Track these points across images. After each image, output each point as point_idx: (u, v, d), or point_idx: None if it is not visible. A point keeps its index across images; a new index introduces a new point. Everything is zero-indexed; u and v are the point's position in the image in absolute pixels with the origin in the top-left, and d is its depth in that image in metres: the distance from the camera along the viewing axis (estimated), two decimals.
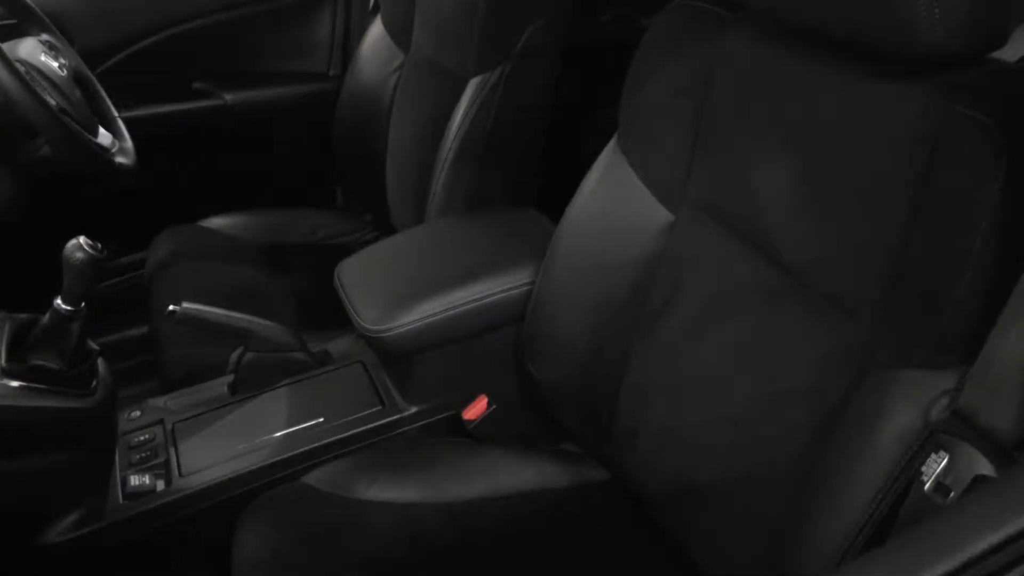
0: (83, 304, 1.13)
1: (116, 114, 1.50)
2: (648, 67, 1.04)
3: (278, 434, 1.28)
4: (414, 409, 1.32)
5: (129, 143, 1.47)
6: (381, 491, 1.16)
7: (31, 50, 1.38)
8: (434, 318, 1.23)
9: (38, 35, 1.45)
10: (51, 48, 1.43)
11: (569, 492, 1.18)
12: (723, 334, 0.94)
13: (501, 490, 1.17)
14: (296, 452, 1.26)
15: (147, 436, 1.30)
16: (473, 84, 1.40)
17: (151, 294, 1.62)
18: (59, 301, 1.11)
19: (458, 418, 1.30)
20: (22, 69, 1.26)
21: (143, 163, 1.45)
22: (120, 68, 1.81)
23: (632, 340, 1.05)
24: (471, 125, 1.41)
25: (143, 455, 1.26)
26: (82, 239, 1.10)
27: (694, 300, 0.98)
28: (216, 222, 1.80)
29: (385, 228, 1.76)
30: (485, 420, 1.30)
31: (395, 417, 1.31)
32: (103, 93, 1.50)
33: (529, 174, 1.50)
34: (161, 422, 1.32)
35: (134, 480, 1.22)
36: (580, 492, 1.18)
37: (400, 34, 1.67)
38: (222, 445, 1.27)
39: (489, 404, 1.29)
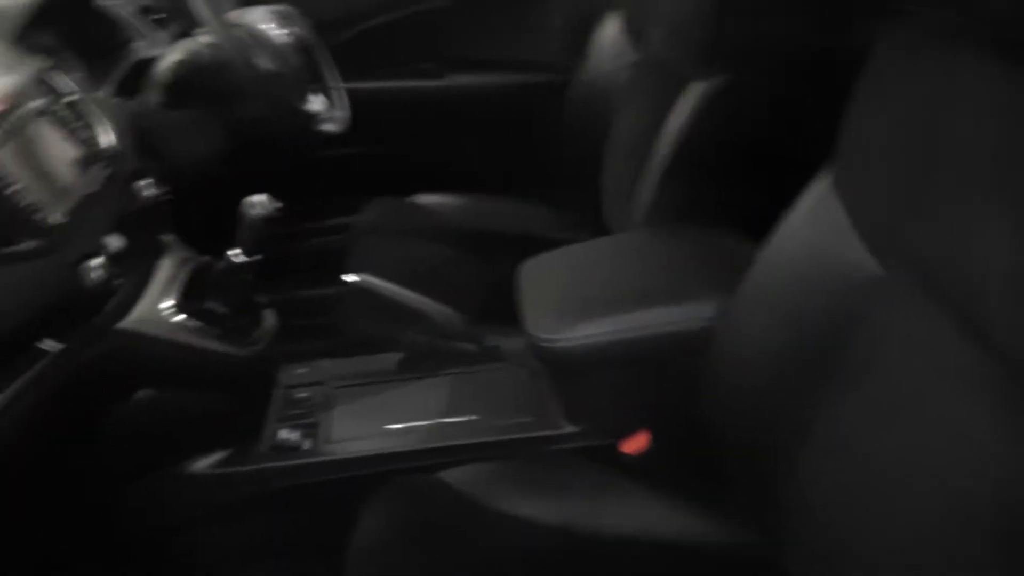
0: (255, 257, 1.16)
1: (336, 84, 1.53)
2: (872, 90, 0.88)
3: (429, 422, 1.26)
4: (570, 429, 1.24)
5: (342, 113, 1.49)
6: (515, 505, 1.09)
7: (258, 16, 1.43)
8: (605, 338, 1.14)
9: (271, 4, 1.51)
10: (281, 17, 1.48)
11: (715, 553, 1.05)
12: (918, 418, 0.78)
13: (642, 535, 1.06)
14: (442, 444, 1.22)
15: (307, 395, 1.31)
16: (695, 90, 1.28)
17: (345, 260, 1.65)
18: (233, 251, 1.15)
19: (614, 448, 1.20)
20: (242, 33, 1.32)
21: (363, 135, 1.47)
22: (353, 43, 1.85)
23: (819, 405, 0.91)
24: (687, 134, 1.29)
25: (298, 412, 1.28)
26: (262, 196, 1.13)
27: (891, 375, 0.82)
28: (426, 199, 1.80)
29: (595, 231, 1.68)
30: (643, 456, 1.19)
31: (549, 433, 1.24)
32: (326, 63, 1.54)
33: (744, 193, 1.36)
34: (324, 383, 1.33)
35: (283, 434, 1.24)
36: (727, 557, 1.05)
37: (635, 30, 1.58)
38: (374, 420, 1.26)
39: (650, 440, 1.19)
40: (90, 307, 1.03)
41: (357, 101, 1.55)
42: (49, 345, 0.95)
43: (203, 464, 1.20)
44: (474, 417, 1.26)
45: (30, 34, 1.24)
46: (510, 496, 1.09)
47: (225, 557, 1.25)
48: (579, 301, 1.19)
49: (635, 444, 1.20)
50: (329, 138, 1.45)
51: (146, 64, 1.33)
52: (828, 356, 0.89)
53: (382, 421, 1.26)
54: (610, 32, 1.71)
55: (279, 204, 1.15)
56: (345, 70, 1.57)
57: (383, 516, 1.08)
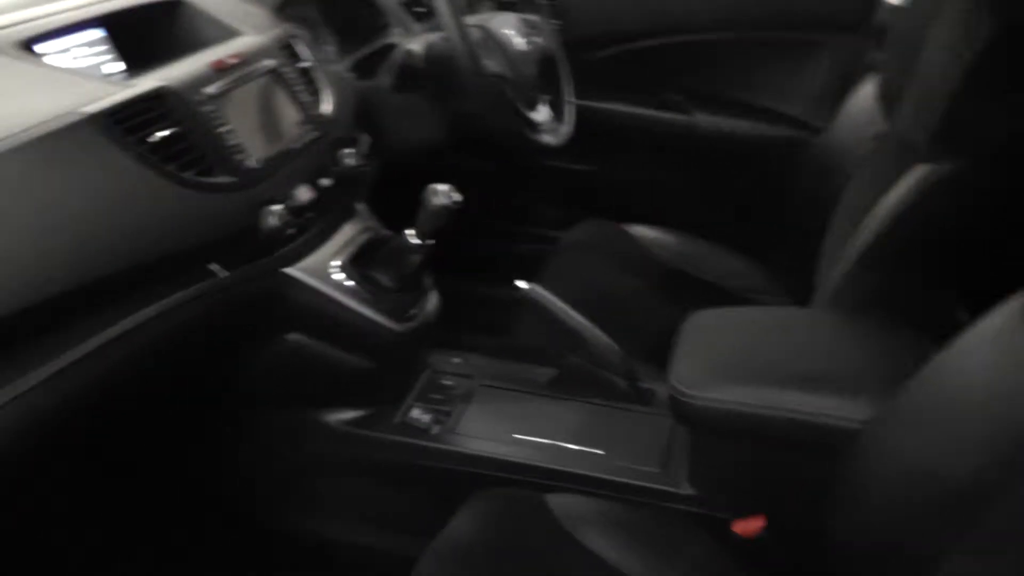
0: (428, 241, 1.21)
1: (569, 99, 1.56)
2: None
3: (554, 442, 1.25)
4: (689, 491, 1.17)
5: (566, 128, 1.52)
6: (605, 549, 1.05)
7: (503, 22, 1.50)
8: (746, 408, 1.06)
9: (523, 12, 1.57)
10: (528, 25, 1.54)
11: None
12: None
13: None
14: (557, 467, 1.21)
15: (451, 383, 1.35)
16: (917, 173, 1.16)
17: (529, 267, 1.67)
18: (409, 231, 1.21)
19: (727, 524, 1.12)
20: (478, 34, 1.39)
21: (583, 152, 1.48)
22: (605, 63, 1.86)
23: (951, 551, 0.79)
24: (896, 217, 1.17)
25: (438, 397, 1.32)
26: (445, 186, 1.17)
27: None
28: (637, 229, 1.78)
29: (794, 299, 1.58)
30: (753, 541, 1.10)
31: (666, 488, 1.18)
32: (564, 77, 1.57)
33: (938, 290, 1.21)
34: (471, 377, 1.37)
35: (416, 413, 1.29)
36: None
37: (888, 99, 1.46)
38: (505, 425, 1.28)
39: (765, 526, 1.09)
40: (262, 247, 1.12)
41: (589, 119, 1.57)
42: (216, 269, 1.06)
43: (335, 418, 1.28)
44: (599, 451, 1.24)
45: (294, 5, 1.38)
46: (605, 538, 1.06)
47: (330, 509, 1.32)
48: (732, 363, 1.13)
49: (749, 526, 1.11)
50: (546, 149, 1.48)
51: (389, 49, 1.44)
52: (976, 502, 0.78)
53: (512, 429, 1.27)
54: (864, 96, 1.60)
55: (459, 196, 1.19)
56: (588, 87, 1.60)
57: (477, 518, 1.09)
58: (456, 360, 1.40)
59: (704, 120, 1.86)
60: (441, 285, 1.38)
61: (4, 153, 0.81)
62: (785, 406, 1.05)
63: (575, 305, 1.32)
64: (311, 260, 1.20)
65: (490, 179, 1.82)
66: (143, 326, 0.95)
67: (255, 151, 1.09)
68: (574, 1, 1.77)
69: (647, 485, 1.19)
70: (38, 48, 1.03)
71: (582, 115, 1.58)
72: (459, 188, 1.21)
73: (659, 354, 1.40)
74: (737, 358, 1.13)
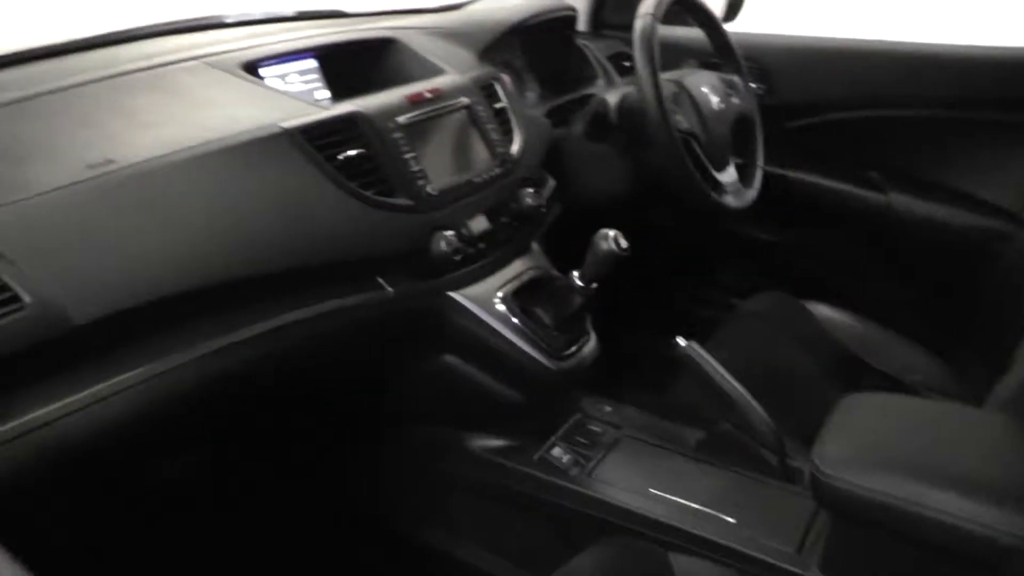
0: (592, 285, 1.24)
1: (759, 163, 1.53)
2: None
3: (689, 503, 1.22)
4: None
5: (752, 192, 1.50)
6: None
7: (701, 79, 1.51)
8: (894, 501, 0.99)
9: (727, 73, 1.57)
10: (727, 86, 1.53)
11: None
12: None
13: None
14: (686, 528, 1.18)
15: (598, 430, 1.36)
16: None
17: (711, 330, 1.65)
18: (575, 272, 1.24)
19: None
20: (673, 89, 1.40)
21: (768, 219, 1.45)
22: (801, 132, 1.81)
23: None
24: None
25: (582, 441, 1.33)
26: (614, 232, 1.19)
27: None
28: (817, 307, 1.70)
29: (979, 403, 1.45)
30: None
31: (796, 570, 1.11)
32: (757, 141, 1.55)
33: None
34: (618, 427, 1.36)
35: (557, 451, 1.31)
36: None
37: None
38: (643, 479, 1.26)
39: None
40: (430, 269, 1.19)
41: (778, 187, 1.54)
42: (383, 283, 1.14)
43: (477, 442, 1.32)
44: (731, 519, 1.19)
45: (499, 50, 1.47)
46: None
47: (457, 528, 1.36)
48: (883, 450, 1.06)
49: None
50: (728, 211, 1.46)
51: (587, 99, 1.49)
52: None
53: (649, 484, 1.25)
54: None
55: (627, 244, 1.21)
56: (781, 155, 1.57)
57: (598, 562, 1.10)
58: (607, 408, 1.41)
59: (900, 200, 1.76)
60: (603, 331, 1.40)
61: (209, 153, 0.94)
62: (937, 505, 0.97)
63: (738, 372, 1.29)
64: (477, 288, 1.26)
65: (669, 235, 1.82)
66: (310, 321, 1.04)
67: (436, 179, 1.18)
68: (778, 66, 1.74)
69: (775, 563, 1.13)
70: (262, 71, 1.18)
71: (771, 182, 1.55)
72: (637, 240, 1.23)
73: (815, 436, 1.34)
74: (890, 445, 1.06)
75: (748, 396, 1.27)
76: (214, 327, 0.93)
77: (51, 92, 0.96)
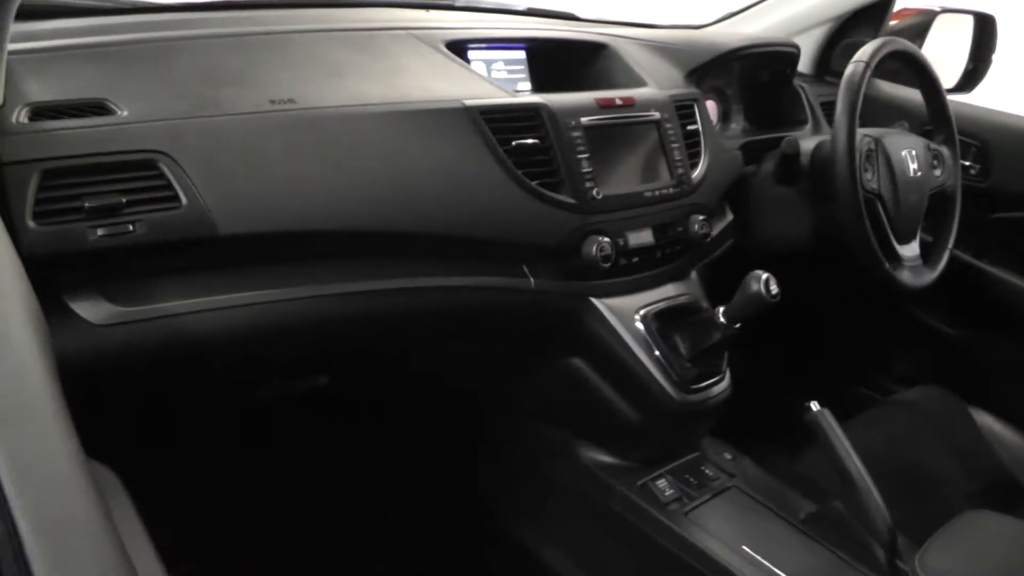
0: (735, 324, 1.21)
1: (948, 246, 1.42)
2: None
3: (781, 573, 1.16)
4: None
5: (931, 275, 1.40)
6: None
7: (904, 143, 1.42)
8: None
9: (937, 144, 1.48)
10: (932, 156, 1.44)
11: None
12: None
13: None
14: None
15: (711, 474, 1.32)
16: None
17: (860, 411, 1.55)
18: (720, 308, 1.21)
19: None
20: (870, 145, 1.33)
21: (957, 315, 1.35)
22: (1011, 225, 1.64)
23: None
24: None
25: (691, 480, 1.30)
26: (767, 275, 1.16)
27: None
28: (983, 416, 1.56)
29: None
30: None
31: None
32: (953, 222, 1.45)
33: None
34: (732, 476, 1.32)
35: (662, 483, 1.28)
36: None
37: None
38: (740, 535, 1.22)
39: None
40: (577, 270, 1.20)
41: (966, 279, 1.42)
42: (527, 271, 1.16)
43: (586, 452, 1.32)
44: None
45: (713, 74, 1.46)
46: None
47: (548, 531, 1.36)
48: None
49: None
50: (901, 288, 1.38)
51: (784, 141, 1.44)
52: None
53: (745, 541, 1.21)
54: None
55: (777, 290, 1.17)
56: (978, 245, 1.45)
57: None
58: (727, 455, 1.36)
59: None
60: (741, 377, 1.36)
61: (388, 113, 1.01)
62: None
63: (871, 457, 1.22)
64: (620, 301, 1.25)
65: (837, 300, 1.72)
66: (448, 290, 1.08)
67: (605, 184, 1.18)
68: (1002, 149, 1.59)
69: None
70: (470, 54, 1.24)
71: (962, 272, 1.43)
72: (802, 295, 1.19)
73: None
74: (995, 572, 0.98)
75: (869, 481, 1.19)
76: (353, 271, 0.99)
77: (263, 34, 1.05)
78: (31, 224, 0.77)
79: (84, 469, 0.38)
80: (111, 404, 0.91)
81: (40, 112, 0.83)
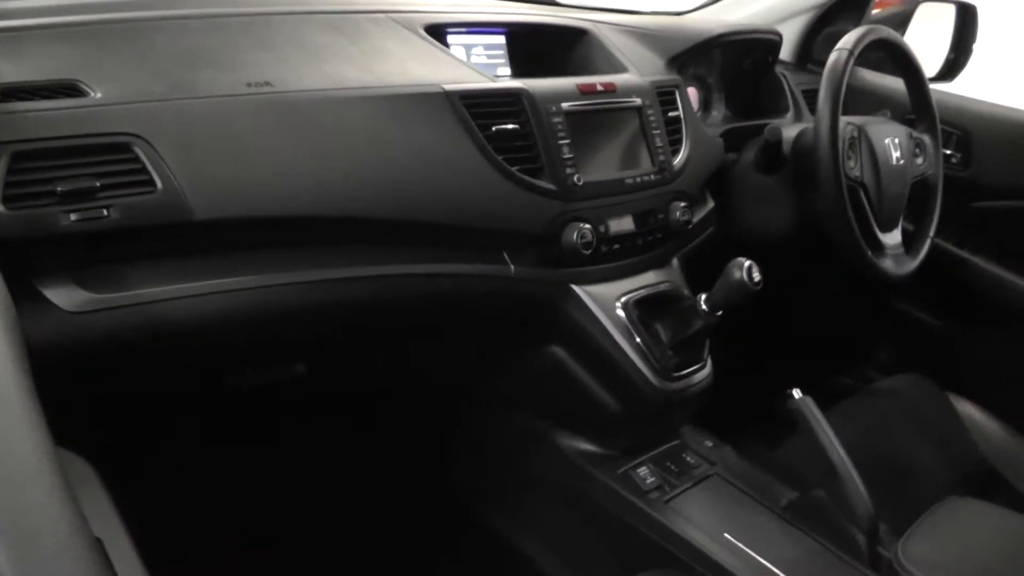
0: (717, 312, 1.20)
1: (929, 234, 1.43)
2: None
3: (763, 561, 1.15)
4: None
5: (913, 263, 1.40)
6: None
7: (886, 131, 1.41)
8: None
9: (920, 133, 1.47)
10: (915, 144, 1.44)
11: None
12: None
13: None
14: None
15: (692, 461, 1.32)
16: None
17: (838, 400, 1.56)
18: (702, 296, 1.21)
19: None
20: (851, 133, 1.33)
21: (939, 305, 1.34)
22: (993, 215, 1.64)
23: None
24: None
25: (672, 468, 1.30)
26: (749, 262, 1.15)
27: None
28: (964, 405, 1.56)
29: None
30: None
31: None
32: (934, 211, 1.45)
33: None
34: (713, 464, 1.32)
35: (642, 471, 1.28)
36: None
37: None
38: (721, 523, 1.21)
39: None
40: (557, 257, 1.19)
41: (949, 268, 1.42)
42: (508, 259, 1.15)
43: (566, 441, 1.31)
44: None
45: (694, 62, 1.46)
46: None
47: (526, 520, 1.36)
48: (970, 563, 0.99)
49: None
50: (882, 276, 1.38)
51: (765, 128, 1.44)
52: None
53: (726, 529, 1.20)
54: None
55: (759, 277, 1.16)
56: (959, 234, 1.45)
57: None
58: (707, 443, 1.36)
59: None
60: (722, 366, 1.35)
61: (366, 97, 0.99)
62: None
63: (852, 446, 1.22)
64: (601, 288, 1.24)
65: (819, 289, 1.72)
66: (426, 277, 1.07)
67: (586, 171, 1.18)
68: (983, 138, 1.59)
69: None
70: (450, 38, 1.22)
71: (942, 260, 1.43)
72: (783, 284, 1.18)
73: None
74: (975, 558, 0.98)
75: (852, 469, 1.20)
76: (330, 258, 0.97)
77: (241, 15, 1.03)
78: (0, 208, 0.75)
79: (51, 460, 0.37)
80: (84, 393, 0.90)
81: (9, 93, 0.81)
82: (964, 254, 1.67)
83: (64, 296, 0.81)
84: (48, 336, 0.79)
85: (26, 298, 0.77)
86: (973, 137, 1.60)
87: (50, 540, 0.33)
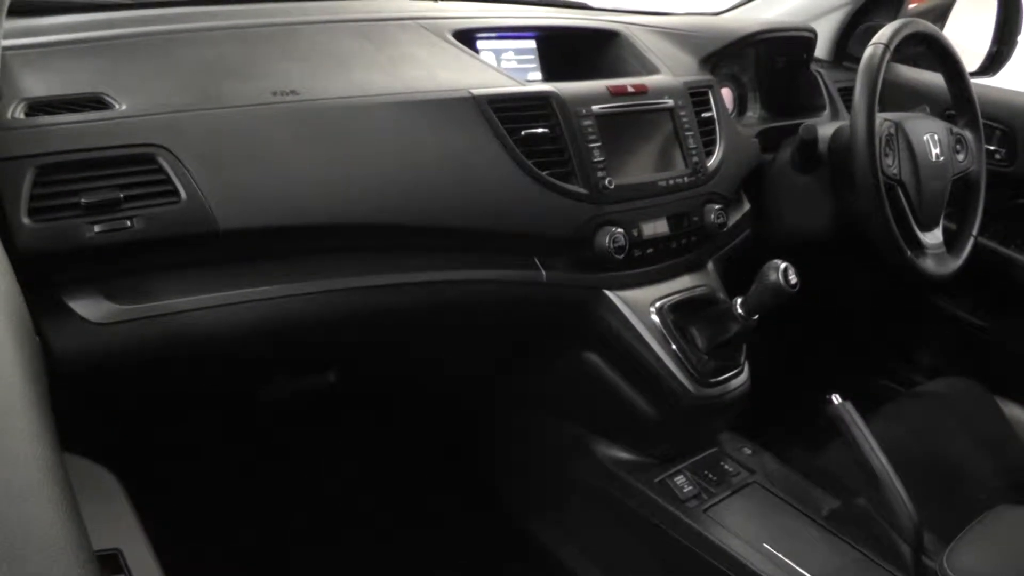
0: (753, 316, 1.18)
1: (972, 232, 1.39)
2: None
3: (802, 571, 1.13)
4: None
5: (955, 263, 1.36)
6: None
7: (925, 127, 1.37)
8: None
9: (961, 128, 1.43)
10: (956, 140, 1.40)
11: None
12: None
13: None
14: None
15: (730, 469, 1.29)
16: None
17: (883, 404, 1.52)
18: (738, 299, 1.18)
19: None
20: (888, 130, 1.29)
21: (984, 306, 1.30)
22: None
23: None
24: None
25: (710, 476, 1.27)
26: (785, 264, 1.12)
27: None
28: (1012, 408, 1.52)
29: None
30: None
31: None
32: (977, 208, 1.41)
33: None
34: (752, 472, 1.29)
35: (680, 480, 1.26)
36: None
37: None
38: (761, 532, 1.19)
39: None
40: (590, 262, 1.17)
41: (995, 268, 1.37)
42: (539, 264, 1.13)
43: (602, 449, 1.29)
44: None
45: (728, 61, 1.44)
46: None
47: (564, 528, 1.34)
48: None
49: None
50: (922, 275, 1.34)
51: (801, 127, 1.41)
52: None
53: (766, 539, 1.18)
54: None
55: (796, 280, 1.14)
56: (1011, 232, 1.41)
57: None
58: (747, 451, 1.33)
59: None
60: (761, 371, 1.32)
61: (394, 103, 0.98)
62: None
63: (895, 452, 1.18)
64: (635, 293, 1.22)
65: (860, 291, 1.68)
66: (458, 284, 1.06)
67: (618, 174, 1.16)
68: None
69: None
70: (479, 43, 1.21)
71: (988, 260, 1.39)
72: (822, 286, 1.15)
73: None
74: None
75: (894, 477, 1.16)
76: (359, 266, 0.97)
77: (266, 25, 1.03)
78: (26, 221, 0.75)
79: (55, 474, 0.36)
80: (112, 404, 0.90)
81: (36, 108, 0.81)
82: (1010, 252, 1.61)
83: (90, 308, 0.81)
84: (75, 347, 0.79)
85: (52, 309, 0.78)
86: (1018, 131, 1.55)
87: (38, 557, 0.32)
